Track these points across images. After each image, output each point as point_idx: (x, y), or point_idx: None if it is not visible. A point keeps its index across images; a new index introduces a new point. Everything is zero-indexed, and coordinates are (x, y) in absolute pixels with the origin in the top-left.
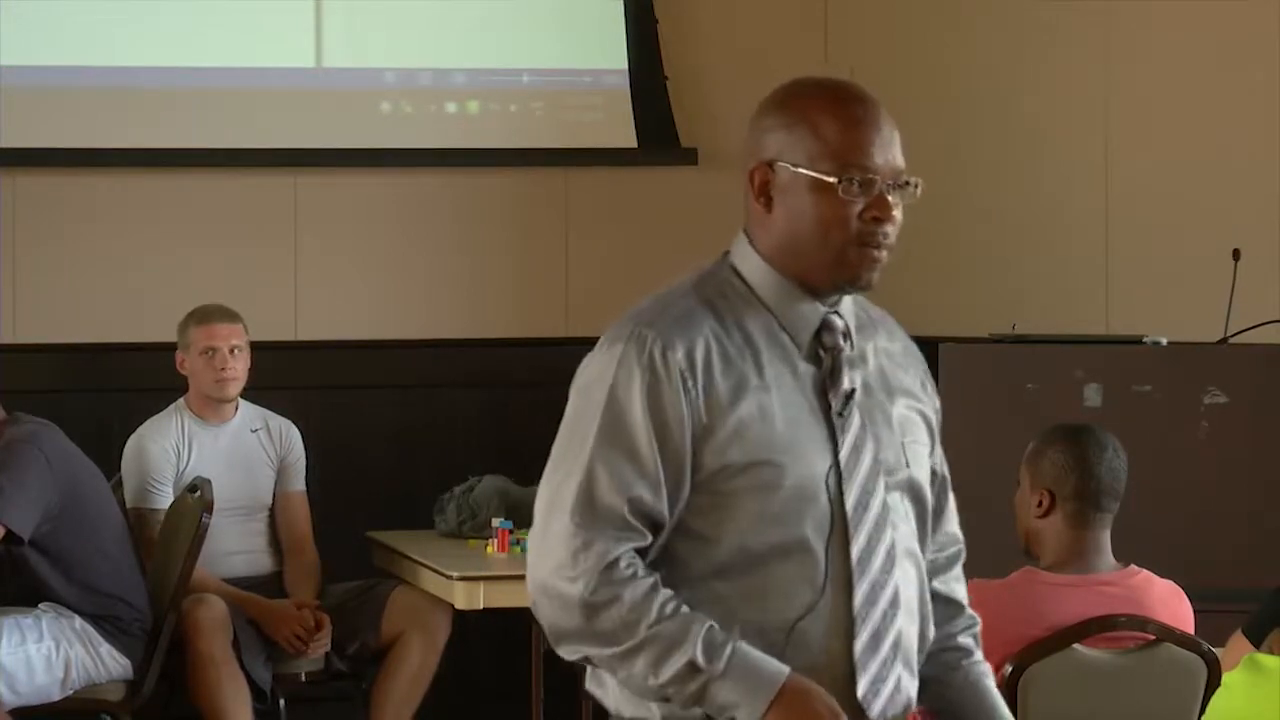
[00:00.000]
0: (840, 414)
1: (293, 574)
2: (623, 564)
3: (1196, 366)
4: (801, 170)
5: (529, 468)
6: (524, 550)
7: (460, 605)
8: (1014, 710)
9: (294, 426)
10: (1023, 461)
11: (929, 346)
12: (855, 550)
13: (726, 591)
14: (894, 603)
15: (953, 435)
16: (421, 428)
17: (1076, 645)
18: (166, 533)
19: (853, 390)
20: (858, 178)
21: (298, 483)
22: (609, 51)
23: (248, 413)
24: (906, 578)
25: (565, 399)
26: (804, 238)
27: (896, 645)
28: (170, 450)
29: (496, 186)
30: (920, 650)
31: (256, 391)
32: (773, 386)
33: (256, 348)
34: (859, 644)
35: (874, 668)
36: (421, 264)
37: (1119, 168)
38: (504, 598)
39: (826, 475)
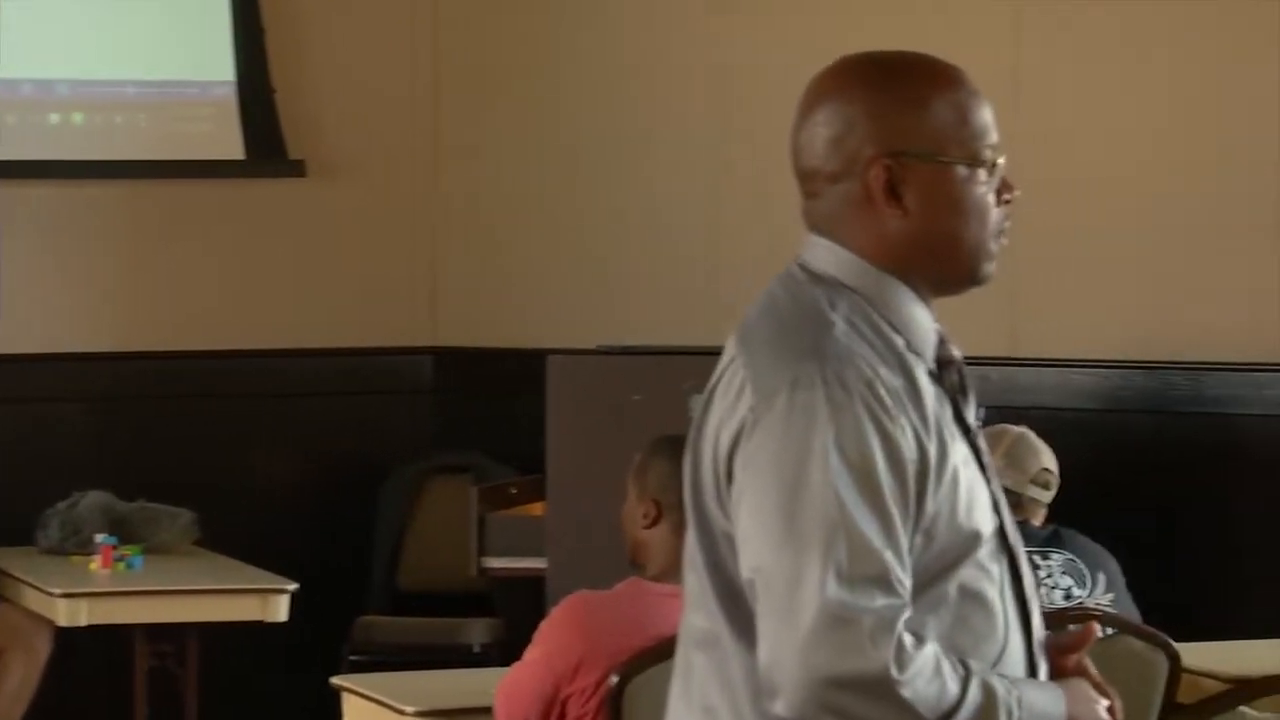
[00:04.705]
0: (976, 432)
1: None
2: (905, 635)
3: None
4: (940, 158)
5: (133, 483)
6: (128, 566)
7: (63, 622)
8: None
9: None
10: (630, 474)
11: (539, 358)
12: (1027, 585)
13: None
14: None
15: (564, 448)
16: (23, 441)
17: None
18: None
19: (980, 407)
20: (996, 159)
21: None
22: (216, 63)
23: None
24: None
25: (180, 411)
26: (947, 234)
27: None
28: None
29: (104, 199)
30: None
31: None
32: (933, 412)
33: None
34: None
35: None
36: (27, 277)
37: None
38: (107, 614)
39: (994, 502)
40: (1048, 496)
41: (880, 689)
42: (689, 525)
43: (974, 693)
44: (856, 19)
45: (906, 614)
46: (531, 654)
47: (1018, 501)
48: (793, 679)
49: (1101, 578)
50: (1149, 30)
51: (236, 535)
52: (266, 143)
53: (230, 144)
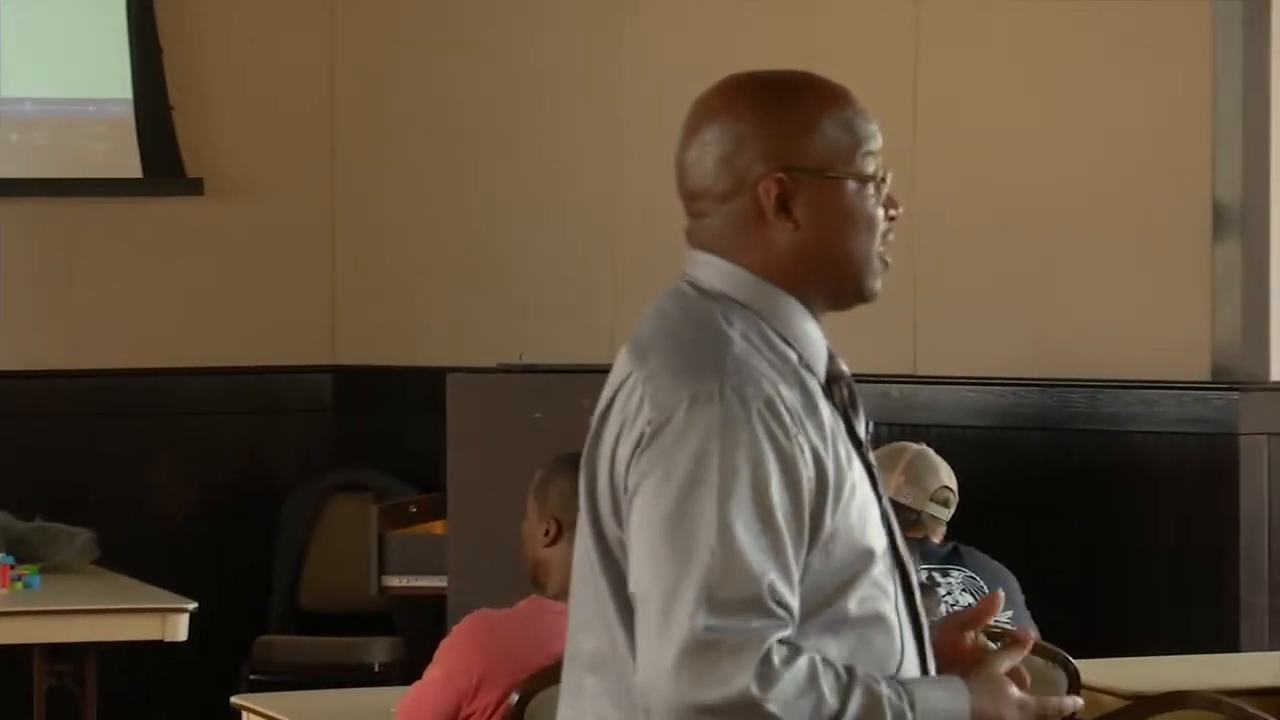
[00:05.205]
0: (867, 447)
1: None
2: (775, 653)
3: None
4: (830, 173)
5: (31, 503)
6: (26, 586)
7: None
8: None
9: None
10: (530, 492)
11: (439, 377)
12: (918, 600)
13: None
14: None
15: (464, 466)
16: None
17: None
18: None
19: (869, 422)
20: (884, 175)
21: None
22: (113, 80)
23: None
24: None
25: (78, 430)
26: (837, 247)
27: None
28: None
29: (1, 216)
30: None
31: None
32: (830, 427)
33: None
34: None
35: None
36: None
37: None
38: (5, 634)
39: (884, 518)
40: (947, 514)
41: (746, 711)
42: (583, 542)
43: (856, 702)
44: (766, 29)
45: (783, 633)
46: (432, 672)
47: (917, 519)
48: (663, 704)
49: (1000, 594)
50: (1048, 47)
51: (135, 555)
52: (164, 161)
53: (128, 162)
